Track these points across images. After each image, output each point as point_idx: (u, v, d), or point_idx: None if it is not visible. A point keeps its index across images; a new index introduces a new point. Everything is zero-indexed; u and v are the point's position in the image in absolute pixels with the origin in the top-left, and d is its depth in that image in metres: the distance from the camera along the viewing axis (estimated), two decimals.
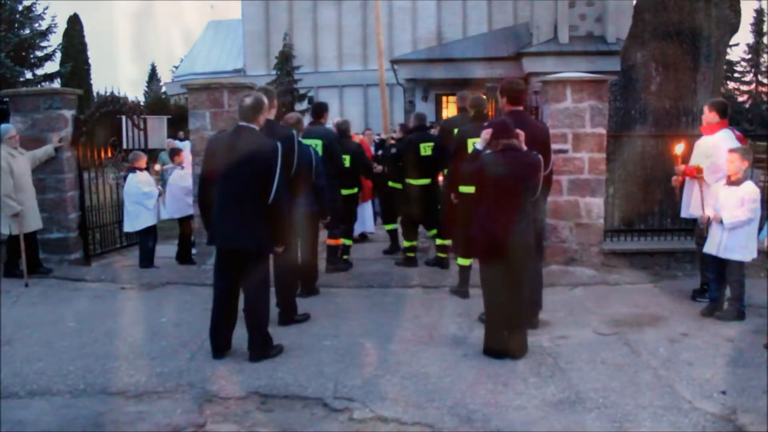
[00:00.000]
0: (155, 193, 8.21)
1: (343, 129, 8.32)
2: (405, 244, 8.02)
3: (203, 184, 5.05)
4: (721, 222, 5.61)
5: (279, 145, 4.78)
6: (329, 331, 5.46)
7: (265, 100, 5.01)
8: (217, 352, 4.91)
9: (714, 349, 5.00)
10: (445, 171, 7.26)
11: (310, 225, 6.33)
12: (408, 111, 22.91)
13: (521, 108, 5.63)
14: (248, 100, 4.85)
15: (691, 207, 6.19)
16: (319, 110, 7.60)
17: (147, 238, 8.27)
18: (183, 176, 8.42)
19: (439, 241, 7.74)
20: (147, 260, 8.25)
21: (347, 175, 7.69)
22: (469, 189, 6.31)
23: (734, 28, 9.24)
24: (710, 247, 5.77)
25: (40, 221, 7.70)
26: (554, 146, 7.17)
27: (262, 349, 4.86)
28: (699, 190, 5.98)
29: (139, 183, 8.10)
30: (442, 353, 4.93)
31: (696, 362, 4.73)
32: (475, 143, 6.51)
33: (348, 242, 8.11)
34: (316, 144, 7.13)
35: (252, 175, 4.68)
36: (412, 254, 7.97)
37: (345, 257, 7.99)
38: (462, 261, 6.68)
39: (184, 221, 8.52)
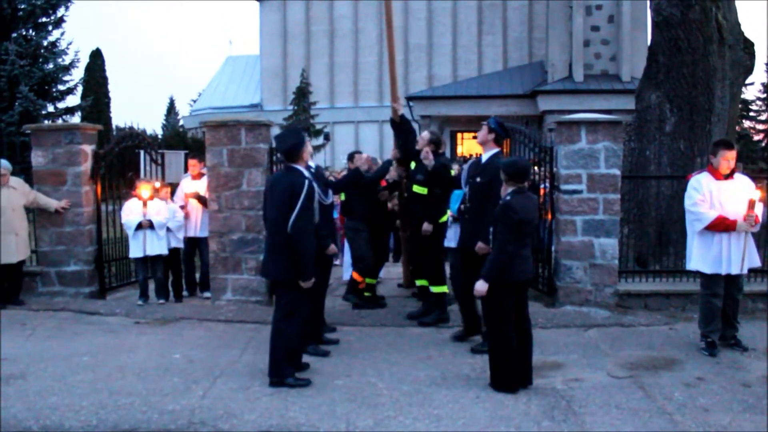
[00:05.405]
0: (162, 223, 8.05)
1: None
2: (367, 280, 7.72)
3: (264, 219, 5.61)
4: None
5: (307, 181, 5.03)
6: (342, 370, 5.44)
7: (305, 138, 5.28)
8: None
9: (731, 394, 4.92)
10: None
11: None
12: None
13: None
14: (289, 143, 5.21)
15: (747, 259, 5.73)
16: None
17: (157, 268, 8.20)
18: (158, 210, 8.09)
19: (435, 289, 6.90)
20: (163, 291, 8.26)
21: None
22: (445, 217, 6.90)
23: (749, 70, 9.30)
24: None
25: (16, 256, 7.72)
26: (568, 186, 7.23)
27: (277, 375, 5.08)
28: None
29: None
30: (455, 395, 4.90)
31: (712, 408, 4.66)
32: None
33: (369, 281, 7.92)
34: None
35: (276, 208, 5.03)
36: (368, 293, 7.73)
37: (367, 294, 7.87)
38: (438, 288, 6.79)
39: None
